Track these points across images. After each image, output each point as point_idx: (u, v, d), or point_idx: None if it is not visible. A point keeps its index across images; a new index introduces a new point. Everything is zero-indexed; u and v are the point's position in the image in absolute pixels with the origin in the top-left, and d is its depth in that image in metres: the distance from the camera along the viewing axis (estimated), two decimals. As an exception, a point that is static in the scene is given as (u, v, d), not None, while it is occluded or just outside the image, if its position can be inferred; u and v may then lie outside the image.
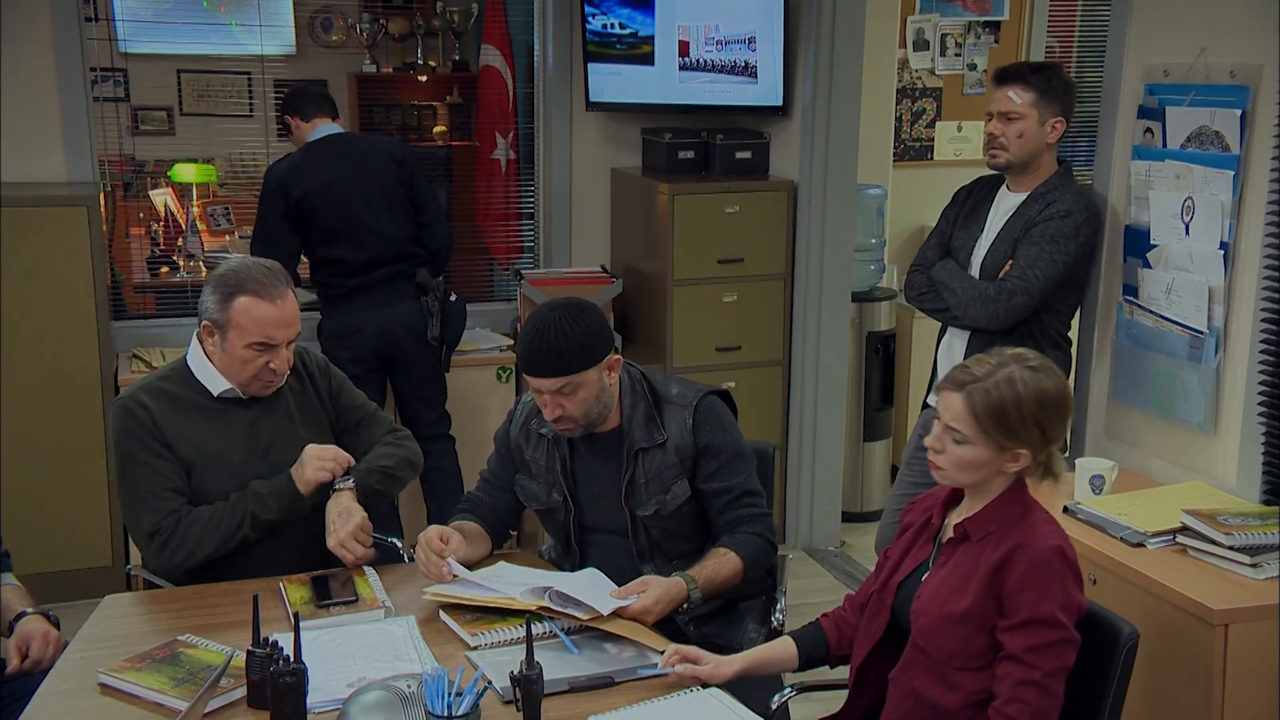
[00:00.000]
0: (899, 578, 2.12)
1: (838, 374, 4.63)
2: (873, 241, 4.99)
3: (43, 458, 3.97)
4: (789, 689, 2.33)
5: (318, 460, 2.58)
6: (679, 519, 2.52)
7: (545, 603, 2.28)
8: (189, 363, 2.64)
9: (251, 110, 5.43)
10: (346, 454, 2.63)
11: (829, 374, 4.60)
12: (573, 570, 2.57)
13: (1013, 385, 1.95)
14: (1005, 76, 3.06)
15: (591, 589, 2.33)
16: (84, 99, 4.25)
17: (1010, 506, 2.00)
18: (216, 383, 2.60)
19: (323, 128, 4.14)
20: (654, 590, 2.31)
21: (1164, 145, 2.84)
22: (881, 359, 4.99)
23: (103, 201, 4.20)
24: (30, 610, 2.43)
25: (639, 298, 4.68)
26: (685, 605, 2.38)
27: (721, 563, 2.45)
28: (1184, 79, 2.78)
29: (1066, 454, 3.25)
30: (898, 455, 5.18)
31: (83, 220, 3.95)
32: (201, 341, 2.60)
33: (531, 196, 5.05)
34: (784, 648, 2.23)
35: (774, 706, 2.24)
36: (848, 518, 4.87)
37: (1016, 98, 3.02)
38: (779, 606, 2.65)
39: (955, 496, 2.12)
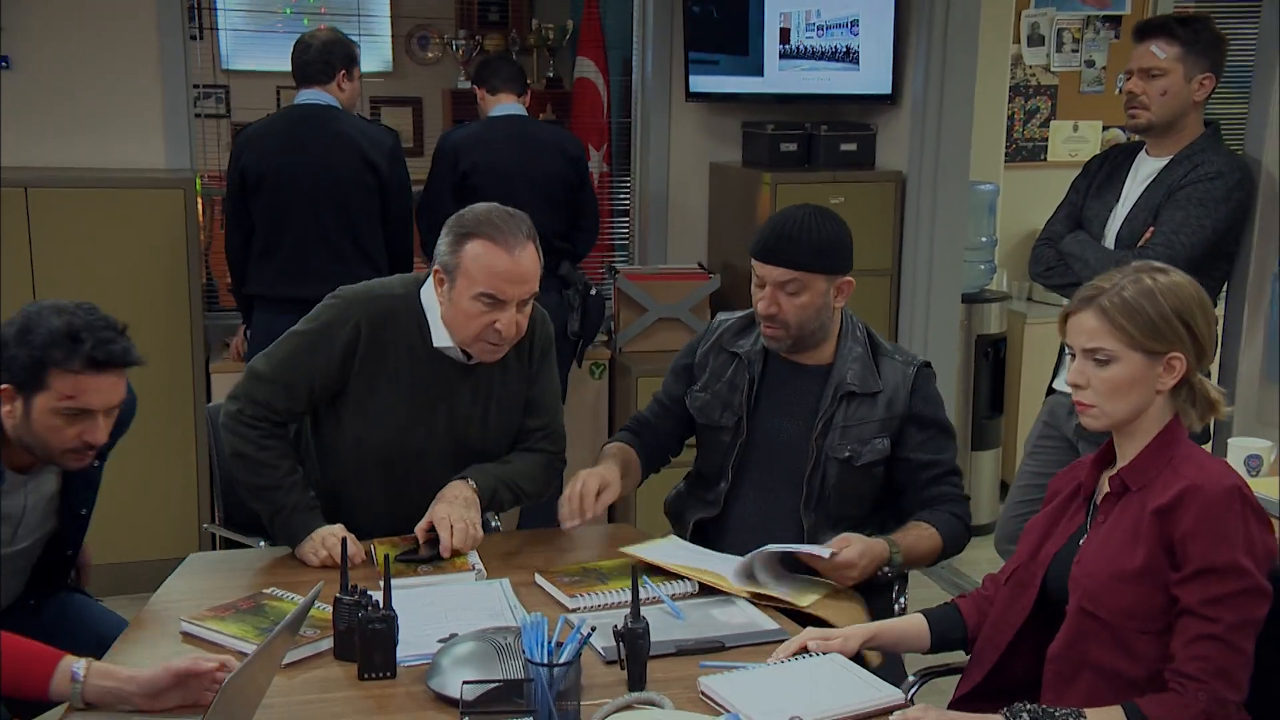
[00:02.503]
0: (1052, 548, 1.90)
1: (946, 377, 4.38)
2: (983, 240, 4.77)
3: (133, 444, 3.89)
4: (913, 676, 2.11)
5: (314, 548, 2.28)
6: (864, 477, 2.35)
7: (758, 587, 2.12)
8: (422, 296, 2.37)
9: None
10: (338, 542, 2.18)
11: (937, 376, 4.37)
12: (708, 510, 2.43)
13: (1141, 284, 1.78)
14: (1148, 30, 2.85)
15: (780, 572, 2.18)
16: (186, 112, 4.24)
17: (1168, 448, 1.79)
18: (440, 335, 2.34)
19: (505, 105, 4.09)
20: (857, 545, 2.14)
21: (1330, 96, 2.62)
22: (991, 364, 4.75)
23: (200, 206, 4.16)
24: None
25: (738, 295, 4.50)
26: (886, 569, 2.21)
27: (923, 535, 2.28)
28: (1353, 22, 2.57)
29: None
30: (1007, 468, 4.92)
31: (179, 203, 3.91)
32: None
33: (625, 195, 4.94)
34: (916, 625, 2.01)
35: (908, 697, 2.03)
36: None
37: (1160, 52, 2.80)
38: (903, 589, 2.45)
39: (1106, 458, 1.90)
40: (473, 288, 2.24)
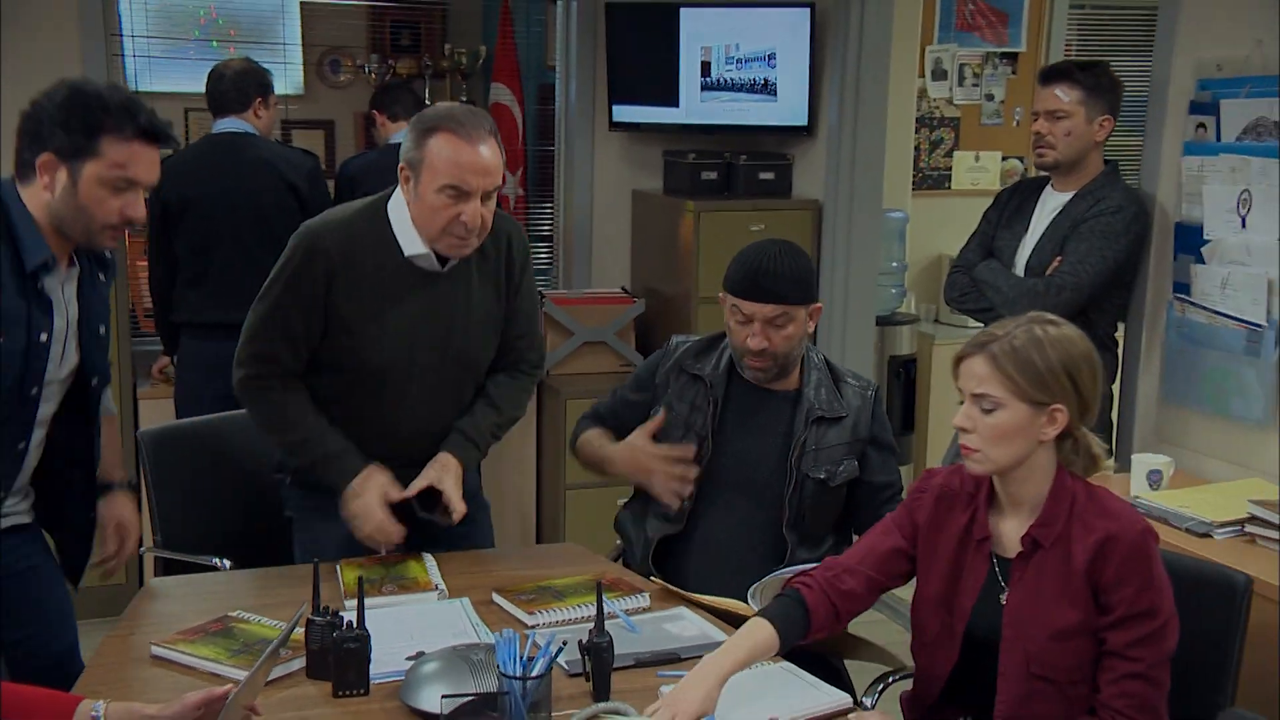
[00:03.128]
0: (967, 602, 1.93)
1: (861, 396, 4.58)
2: (894, 265, 4.98)
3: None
4: (873, 696, 2.22)
5: (364, 526, 2.38)
6: (835, 496, 2.48)
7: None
8: (389, 211, 2.41)
9: (258, 149, 5.42)
10: (396, 533, 2.39)
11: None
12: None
13: (1033, 333, 1.83)
14: (1052, 75, 3.06)
15: None
16: None
17: (1065, 499, 1.86)
18: (410, 243, 2.38)
19: (404, 132, 4.11)
20: None
21: (1218, 139, 2.84)
22: (903, 384, 4.96)
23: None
24: (116, 484, 2.33)
25: (661, 318, 4.63)
26: None
27: None
28: (1239, 72, 2.79)
29: (1111, 454, 3.21)
30: (918, 483, 5.13)
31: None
32: (404, 192, 2.39)
33: (545, 221, 5.04)
34: (765, 636, 1.91)
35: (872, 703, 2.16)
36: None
37: (1064, 95, 3.01)
38: None
39: (989, 496, 1.94)
40: (437, 180, 2.28)
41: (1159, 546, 1.86)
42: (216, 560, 2.59)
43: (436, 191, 2.29)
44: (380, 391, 2.44)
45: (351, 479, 2.38)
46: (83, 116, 1.96)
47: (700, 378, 2.52)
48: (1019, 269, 3.12)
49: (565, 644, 1.82)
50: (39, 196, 2.01)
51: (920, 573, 2.01)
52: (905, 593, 2.10)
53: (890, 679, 2.25)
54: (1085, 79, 3.01)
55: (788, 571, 2.25)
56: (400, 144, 4.02)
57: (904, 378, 4.95)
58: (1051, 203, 3.12)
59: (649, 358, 2.67)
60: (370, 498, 2.37)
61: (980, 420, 1.84)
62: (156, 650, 2.01)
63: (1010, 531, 1.91)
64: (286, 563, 2.58)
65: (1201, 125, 2.89)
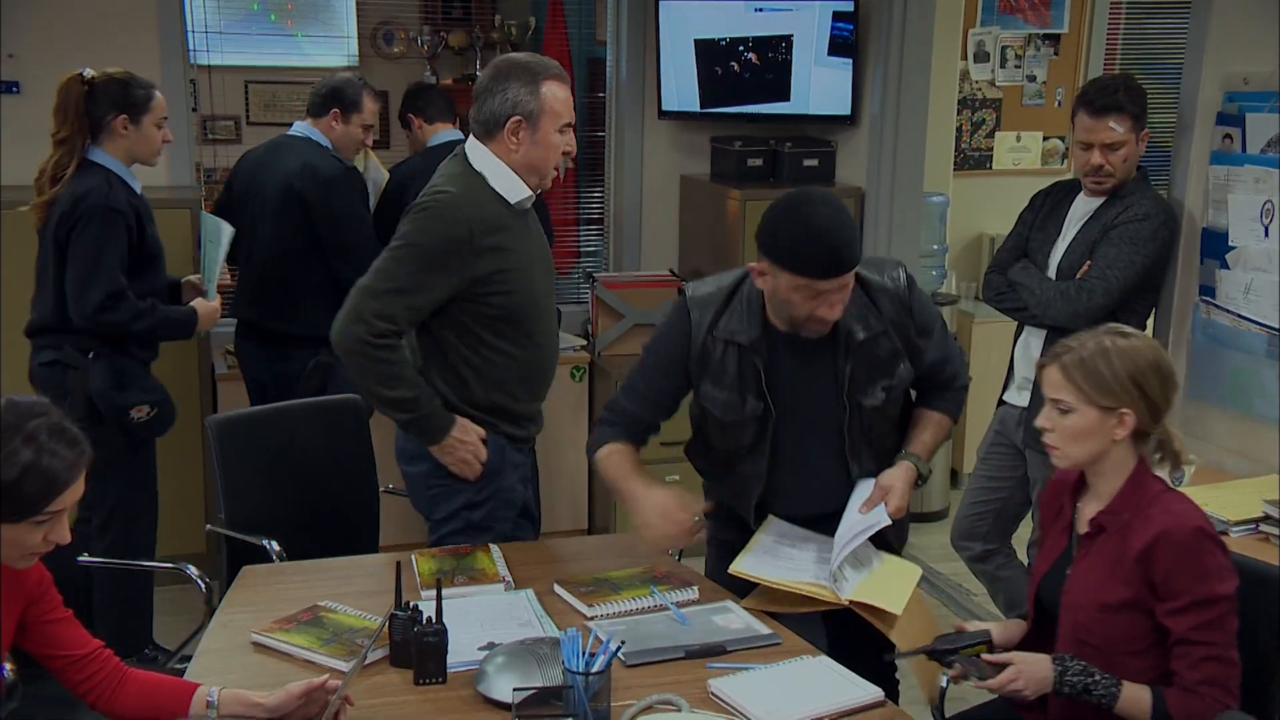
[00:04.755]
0: (1041, 568, 2.20)
1: (902, 377, 4.72)
2: (934, 247, 5.10)
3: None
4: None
5: (467, 469, 2.71)
6: (895, 402, 2.51)
7: (840, 596, 2.32)
8: (483, 172, 2.61)
9: (315, 119, 5.59)
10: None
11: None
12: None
13: (1101, 345, 2.05)
14: (1103, 108, 3.07)
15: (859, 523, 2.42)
16: (185, 109, 4.45)
17: (1138, 493, 2.07)
18: (515, 190, 2.61)
19: (445, 133, 4.25)
20: (894, 498, 2.40)
21: (1244, 150, 2.96)
22: (942, 363, 5.09)
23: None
24: None
25: (708, 301, 4.80)
26: (920, 482, 2.48)
27: (939, 431, 2.54)
28: (1265, 87, 2.90)
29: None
30: (957, 457, 5.28)
31: (185, 222, 4.11)
32: (497, 144, 2.59)
33: (593, 203, 5.20)
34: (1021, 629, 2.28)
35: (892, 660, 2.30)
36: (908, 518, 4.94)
37: (1119, 127, 3.07)
38: None
39: (1082, 482, 2.19)
40: (559, 120, 2.59)
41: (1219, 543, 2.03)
42: (267, 543, 2.83)
43: (559, 131, 2.60)
44: (537, 328, 2.70)
45: (450, 430, 2.65)
46: None
47: (739, 344, 2.45)
48: (1051, 271, 3.25)
49: (623, 644, 2.02)
50: None
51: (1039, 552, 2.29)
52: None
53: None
54: (1130, 104, 3.07)
55: (859, 526, 2.40)
56: (442, 144, 4.21)
57: (944, 357, 5.08)
58: (1083, 207, 3.24)
59: (665, 330, 2.57)
60: (475, 442, 2.68)
61: (1058, 421, 2.09)
62: (256, 637, 2.23)
63: (1088, 515, 2.14)
64: (337, 550, 2.82)
65: (1228, 136, 3.00)
